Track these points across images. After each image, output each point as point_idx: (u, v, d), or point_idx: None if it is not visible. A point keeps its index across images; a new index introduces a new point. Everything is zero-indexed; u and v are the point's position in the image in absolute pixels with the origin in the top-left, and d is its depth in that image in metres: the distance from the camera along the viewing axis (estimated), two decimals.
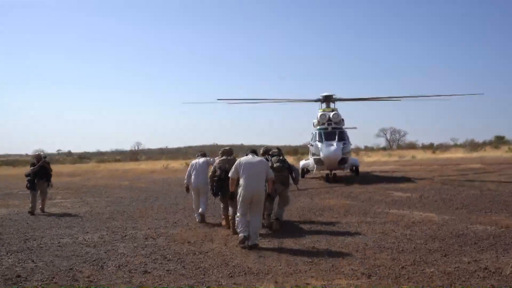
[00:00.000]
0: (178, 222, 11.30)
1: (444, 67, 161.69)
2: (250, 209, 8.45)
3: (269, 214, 10.25)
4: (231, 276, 6.39)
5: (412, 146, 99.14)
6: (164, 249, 8.29)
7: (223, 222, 10.41)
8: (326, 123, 23.51)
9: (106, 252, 8.13)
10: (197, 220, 11.21)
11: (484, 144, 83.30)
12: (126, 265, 7.15)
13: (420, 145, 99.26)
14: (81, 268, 7.08)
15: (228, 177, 8.91)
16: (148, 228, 10.52)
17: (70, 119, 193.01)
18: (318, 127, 23.71)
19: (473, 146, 79.29)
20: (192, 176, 11.47)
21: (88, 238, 9.50)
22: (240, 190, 8.45)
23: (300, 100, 28.34)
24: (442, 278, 5.99)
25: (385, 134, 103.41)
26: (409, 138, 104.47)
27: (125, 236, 9.67)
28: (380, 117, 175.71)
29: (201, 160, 11.63)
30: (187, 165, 48.50)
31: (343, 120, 24.28)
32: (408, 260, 6.92)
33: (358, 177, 24.41)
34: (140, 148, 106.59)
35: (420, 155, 62.90)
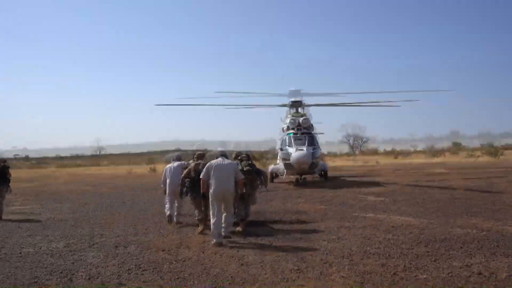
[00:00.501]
0: (149, 229, 10.71)
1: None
2: (222, 208, 9.07)
3: (242, 220, 10.33)
4: (215, 287, 5.92)
5: (374, 151, 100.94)
6: (137, 257, 7.73)
7: (199, 228, 10.08)
8: (296, 128, 23.27)
9: (73, 263, 7.50)
10: (170, 220, 11.33)
11: (443, 150, 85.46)
12: (98, 277, 6.57)
13: (382, 151, 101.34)
14: (47, 280, 6.46)
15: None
16: (118, 236, 9.90)
17: (26, 114, 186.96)
18: (287, 132, 23.43)
19: (433, 152, 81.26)
20: (168, 181, 11.51)
21: (53, 247, 8.81)
22: (210, 191, 8.95)
23: (266, 105, 28.14)
24: (437, 285, 5.71)
25: (348, 140, 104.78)
26: (370, 138, 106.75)
27: (93, 244, 9.02)
28: (341, 114, 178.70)
29: (176, 164, 11.67)
30: (151, 170, 48.14)
31: (312, 125, 24.12)
32: (398, 266, 6.64)
33: (327, 181, 24.23)
34: (102, 152, 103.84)
35: (383, 160, 63.77)
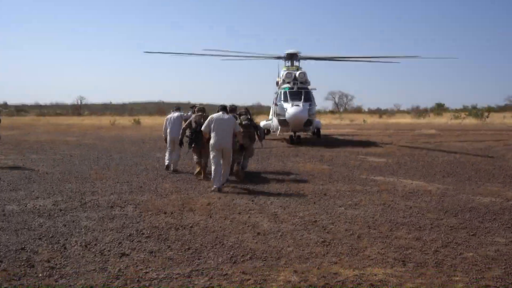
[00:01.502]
0: (144, 187, 9.84)
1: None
2: (221, 159, 9.75)
3: (239, 163, 10.92)
4: (234, 262, 5.12)
5: (358, 110, 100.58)
6: (137, 221, 6.88)
7: (197, 169, 11.11)
8: (291, 82, 22.20)
9: (65, 225, 6.62)
10: (167, 167, 12.14)
11: (426, 111, 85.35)
12: (95, 244, 5.71)
13: (367, 110, 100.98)
14: (37, 247, 5.57)
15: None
16: (111, 193, 9.01)
17: (5, 67, 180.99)
18: (283, 87, 22.36)
19: (418, 112, 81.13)
20: (168, 130, 12.32)
21: (40, 205, 7.88)
22: (211, 142, 9.62)
23: (260, 56, 26.81)
24: (491, 266, 5.00)
25: (334, 98, 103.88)
26: (355, 102, 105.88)
27: (85, 203, 8.12)
28: (329, 81, 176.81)
29: (176, 114, 12.45)
30: (136, 122, 46.81)
31: (308, 80, 23.05)
32: (436, 241, 5.90)
33: (320, 139, 23.49)
34: (83, 102, 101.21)
35: (369, 119, 63.41)
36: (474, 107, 74.95)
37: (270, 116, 26.34)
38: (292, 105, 20.58)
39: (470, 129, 36.26)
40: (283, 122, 20.94)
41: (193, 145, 10.95)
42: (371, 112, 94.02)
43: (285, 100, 21.23)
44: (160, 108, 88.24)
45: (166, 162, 12.20)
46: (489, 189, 9.71)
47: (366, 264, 5.01)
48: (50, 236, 6.05)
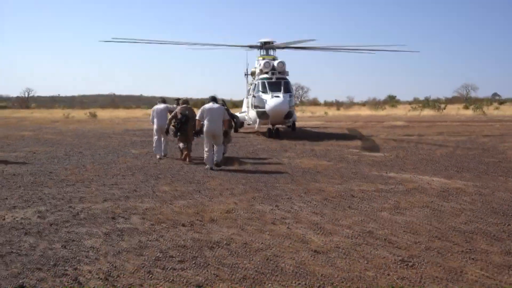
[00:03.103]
0: (139, 190, 8.42)
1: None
2: (214, 142, 11.07)
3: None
4: None
5: (315, 102, 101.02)
6: (154, 238, 5.53)
7: (184, 158, 12.28)
8: (270, 72, 20.97)
9: (65, 247, 5.18)
10: (157, 157, 12.95)
11: (380, 102, 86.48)
12: (117, 275, 4.34)
13: (323, 102, 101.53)
14: (39, 283, 4.16)
15: (188, 121, 11.80)
16: (104, 200, 7.56)
17: None
18: (260, 77, 21.09)
19: (374, 104, 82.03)
20: (155, 120, 13.09)
21: (22, 218, 6.37)
22: (204, 129, 10.92)
23: (232, 45, 25.45)
24: None
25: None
26: (310, 94, 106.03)
27: (77, 213, 6.66)
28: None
29: (162, 106, 13.29)
30: (92, 115, 44.29)
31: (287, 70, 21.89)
32: None
33: (295, 132, 22.42)
34: (31, 95, 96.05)
35: (329, 111, 63.32)
36: (427, 99, 76.23)
37: (244, 109, 25.10)
38: (272, 97, 19.42)
39: (434, 121, 36.38)
40: (262, 115, 19.74)
41: (178, 134, 12.03)
42: (328, 104, 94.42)
43: (264, 91, 20.02)
44: (114, 101, 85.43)
45: (158, 155, 13.01)
46: None
47: None
48: (52, 264, 4.62)
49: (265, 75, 20.89)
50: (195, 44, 26.27)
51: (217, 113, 10.98)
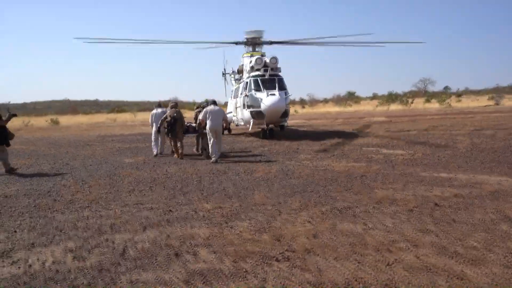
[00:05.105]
0: (174, 210, 6.87)
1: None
2: (214, 137, 12.50)
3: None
4: None
5: None
6: (257, 284, 4.07)
7: (176, 155, 13.65)
8: (262, 70, 19.55)
9: None
10: (154, 153, 14.42)
11: (344, 98, 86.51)
12: None
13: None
14: None
15: (176, 122, 13.23)
16: (143, 227, 5.97)
17: None
18: (252, 74, 19.62)
19: (339, 101, 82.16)
20: (154, 123, 14.54)
21: (53, 262, 4.73)
22: (207, 126, 12.56)
23: (215, 42, 23.93)
24: None
25: None
26: None
27: (124, 250, 5.08)
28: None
29: (159, 110, 14.78)
30: (53, 122, 41.50)
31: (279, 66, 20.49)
32: None
33: (284, 132, 21.06)
34: None
35: (299, 110, 62.67)
36: (392, 94, 76.69)
37: (230, 109, 23.66)
38: (268, 95, 18.05)
39: (412, 115, 36.06)
40: (257, 115, 18.34)
41: (169, 134, 13.36)
42: (291, 102, 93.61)
43: (258, 89, 18.59)
44: (72, 107, 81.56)
45: (154, 152, 14.41)
46: None
47: None
48: None
49: (257, 72, 19.47)
50: (171, 42, 24.47)
51: (218, 113, 12.64)
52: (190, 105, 57.00)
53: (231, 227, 5.84)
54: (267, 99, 17.87)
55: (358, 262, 4.49)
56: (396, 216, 6.16)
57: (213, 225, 5.98)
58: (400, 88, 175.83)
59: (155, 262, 4.65)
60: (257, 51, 21.95)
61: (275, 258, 4.64)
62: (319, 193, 7.76)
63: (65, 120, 49.65)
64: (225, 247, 5.03)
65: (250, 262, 4.57)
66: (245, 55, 22.10)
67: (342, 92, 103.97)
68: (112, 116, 57.92)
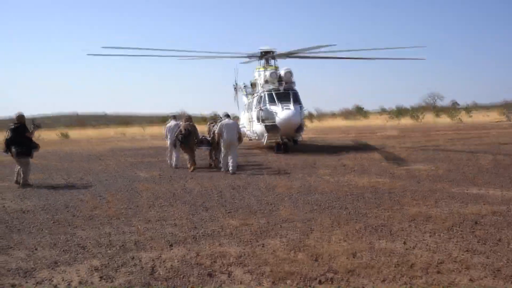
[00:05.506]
0: (199, 226, 6.59)
1: None
2: (230, 149, 12.91)
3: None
4: None
5: None
6: None
7: (189, 167, 13.64)
8: (277, 83, 19.33)
9: None
10: (171, 165, 14.67)
11: (352, 113, 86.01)
12: None
13: None
14: None
15: (190, 135, 13.58)
16: (170, 245, 5.68)
17: None
18: (267, 88, 19.38)
19: (347, 115, 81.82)
20: (169, 135, 14.79)
21: (80, 282, 4.44)
22: (222, 140, 13.01)
23: (228, 56, 23.58)
24: None
25: None
26: None
27: (152, 269, 4.79)
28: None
29: (173, 123, 14.97)
30: (64, 136, 41.45)
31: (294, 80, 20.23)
32: None
33: (298, 146, 20.73)
34: None
35: (308, 123, 62.28)
36: (399, 109, 76.22)
37: (242, 122, 23.45)
38: (283, 109, 17.85)
39: (424, 130, 35.62)
40: (272, 128, 18.12)
41: (184, 147, 13.72)
42: None
43: (272, 103, 18.38)
44: (80, 121, 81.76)
45: (174, 164, 14.57)
46: None
47: None
48: None
49: (271, 86, 19.26)
50: (185, 56, 24.29)
51: (232, 127, 13.15)
52: (197, 119, 56.80)
53: (262, 245, 5.54)
54: (282, 113, 17.68)
55: (409, 285, 4.16)
56: (435, 234, 5.83)
57: (243, 243, 5.68)
58: (406, 102, 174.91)
59: (188, 284, 4.35)
60: (270, 65, 21.73)
61: (317, 280, 4.33)
62: (348, 210, 7.45)
63: (74, 134, 49.60)
64: (260, 267, 4.73)
65: (290, 284, 4.26)
66: (259, 68, 21.91)
67: (348, 105, 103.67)
68: (120, 130, 57.80)
